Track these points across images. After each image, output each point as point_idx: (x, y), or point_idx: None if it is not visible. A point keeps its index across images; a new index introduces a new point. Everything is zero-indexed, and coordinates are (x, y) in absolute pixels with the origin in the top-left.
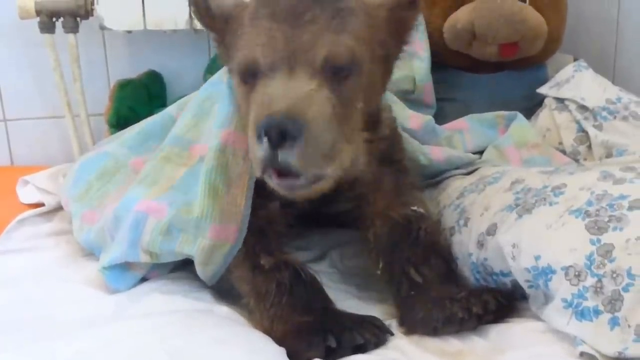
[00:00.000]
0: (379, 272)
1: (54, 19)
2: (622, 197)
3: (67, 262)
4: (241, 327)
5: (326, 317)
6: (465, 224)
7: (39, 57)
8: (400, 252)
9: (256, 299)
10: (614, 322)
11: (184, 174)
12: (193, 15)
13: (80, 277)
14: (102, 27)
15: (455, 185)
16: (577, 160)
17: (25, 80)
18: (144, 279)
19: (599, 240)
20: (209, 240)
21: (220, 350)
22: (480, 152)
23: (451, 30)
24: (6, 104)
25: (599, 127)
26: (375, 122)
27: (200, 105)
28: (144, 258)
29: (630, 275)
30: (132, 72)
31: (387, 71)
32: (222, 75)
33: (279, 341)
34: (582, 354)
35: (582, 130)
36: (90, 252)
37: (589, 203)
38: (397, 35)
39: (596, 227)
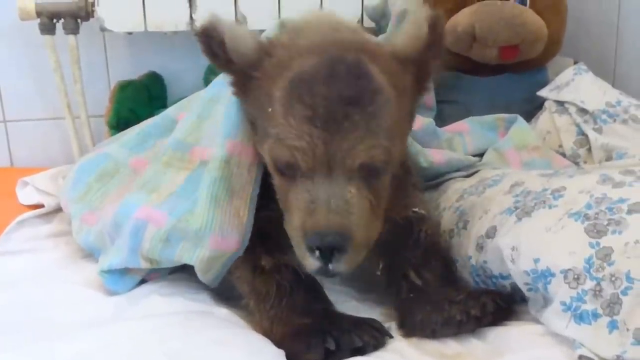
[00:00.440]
0: (378, 273)
1: (54, 21)
2: (622, 200)
3: (67, 264)
4: (240, 329)
5: (325, 319)
6: (465, 227)
7: (40, 58)
8: (400, 254)
9: (256, 300)
10: (612, 326)
11: (185, 179)
12: (202, 52)
13: (80, 278)
14: (103, 29)
15: (455, 187)
16: (577, 163)
17: (25, 81)
18: (143, 281)
19: (598, 244)
20: (209, 250)
21: (220, 352)
22: (481, 155)
23: (452, 32)
24: (6, 105)
25: (599, 130)
26: None
27: (204, 106)
28: (144, 264)
29: (629, 278)
30: (133, 73)
31: (411, 120)
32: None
33: (278, 343)
34: (580, 357)
35: (582, 133)
36: (90, 254)
37: (588, 206)
38: (420, 87)
39: (595, 231)
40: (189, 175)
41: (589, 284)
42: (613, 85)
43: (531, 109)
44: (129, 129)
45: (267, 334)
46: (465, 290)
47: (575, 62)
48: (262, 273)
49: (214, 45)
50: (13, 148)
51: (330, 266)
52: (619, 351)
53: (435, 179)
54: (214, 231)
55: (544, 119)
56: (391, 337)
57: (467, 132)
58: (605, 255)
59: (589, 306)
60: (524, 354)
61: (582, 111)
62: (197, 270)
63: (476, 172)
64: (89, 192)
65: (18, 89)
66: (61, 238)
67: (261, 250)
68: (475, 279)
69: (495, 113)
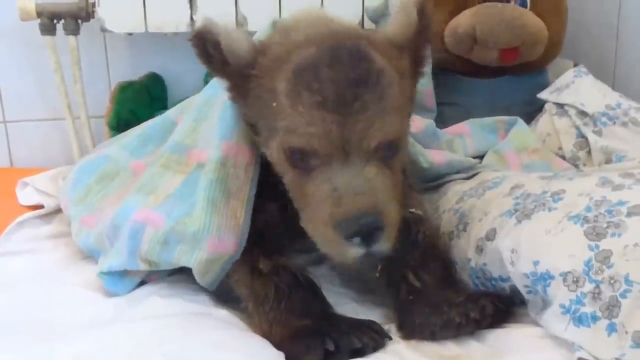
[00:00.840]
0: (377, 275)
1: (54, 21)
2: (621, 203)
3: (66, 265)
4: (240, 331)
5: (325, 321)
6: (465, 229)
7: (40, 59)
8: (399, 256)
9: (255, 303)
10: (611, 328)
11: (182, 182)
12: (196, 57)
13: (79, 279)
14: (103, 30)
15: (455, 189)
16: (576, 166)
17: (25, 82)
18: (142, 282)
19: (597, 246)
20: (206, 253)
21: (219, 353)
22: (481, 157)
23: (452, 34)
24: (6, 105)
25: (599, 133)
26: None
27: (200, 109)
28: (143, 267)
29: (628, 281)
30: (133, 74)
31: (412, 99)
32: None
33: (278, 345)
34: (579, 359)
35: (581, 135)
36: (89, 255)
37: (588, 209)
38: (416, 72)
39: (595, 233)
40: (185, 178)
41: (588, 287)
42: (613, 88)
43: (531, 111)
44: (129, 130)
45: (267, 335)
46: (464, 292)
47: (576, 65)
48: (260, 276)
49: (210, 48)
50: (13, 148)
51: (374, 248)
52: (617, 354)
53: (435, 180)
54: (211, 234)
55: (544, 121)
56: (390, 339)
57: (468, 134)
58: (605, 258)
59: (588, 309)
60: (523, 356)
61: (582, 114)
62: (195, 273)
63: (476, 174)
64: (89, 194)
65: (18, 90)
66: (61, 239)
67: (259, 252)
68: (475, 282)
69: (496, 115)
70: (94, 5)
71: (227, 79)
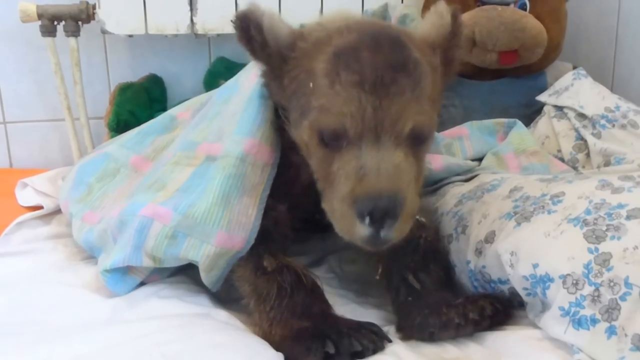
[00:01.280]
0: (377, 277)
1: (55, 23)
2: (620, 206)
3: (65, 266)
4: (239, 332)
5: (325, 322)
6: (464, 232)
7: (40, 60)
8: (400, 259)
9: (256, 301)
10: (611, 331)
11: (190, 174)
12: (238, 39)
13: (78, 280)
14: (104, 31)
15: (454, 192)
16: (575, 168)
17: (25, 83)
18: (142, 283)
19: (596, 249)
20: (214, 247)
21: (218, 355)
22: (480, 159)
23: None
24: (6, 106)
25: (598, 135)
26: None
27: (216, 107)
28: (147, 262)
29: (627, 284)
30: (133, 75)
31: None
32: (237, 80)
33: (278, 345)
34: None
35: (580, 138)
36: (88, 256)
37: (587, 212)
38: (446, 72)
39: (594, 236)
40: (194, 170)
41: (588, 290)
42: (612, 91)
43: (530, 113)
44: (128, 131)
45: (267, 336)
46: (463, 294)
47: (575, 67)
48: (264, 274)
49: (252, 29)
50: (13, 149)
51: (382, 233)
52: (617, 357)
53: (434, 184)
54: (221, 228)
55: (542, 123)
56: (390, 341)
57: (467, 137)
58: (604, 261)
59: (587, 311)
60: (522, 358)
61: (581, 116)
62: (201, 268)
63: (475, 176)
64: (90, 193)
65: (18, 91)
66: (60, 240)
67: (264, 251)
68: (474, 284)
69: (495, 117)
70: (94, 7)
71: (265, 61)
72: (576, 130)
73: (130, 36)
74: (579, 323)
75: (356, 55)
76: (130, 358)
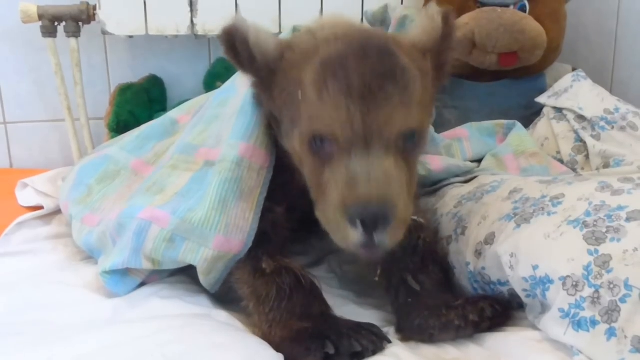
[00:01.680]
0: (376, 279)
1: (56, 24)
2: (620, 208)
3: (65, 266)
4: (239, 333)
5: (324, 323)
6: (463, 233)
7: (41, 60)
8: (399, 260)
9: (256, 303)
10: (610, 333)
11: (189, 179)
12: (225, 54)
13: (79, 280)
14: (104, 32)
15: (453, 193)
16: (574, 170)
17: (26, 83)
18: (142, 283)
19: (596, 251)
20: (212, 250)
21: (218, 355)
22: (479, 161)
23: None
24: (7, 106)
25: (597, 137)
26: None
27: (212, 110)
28: (146, 265)
29: (627, 286)
30: (133, 76)
31: (431, 117)
32: (234, 81)
33: (277, 346)
34: None
35: (580, 139)
36: (88, 256)
37: (587, 213)
38: (438, 76)
39: (594, 238)
40: (193, 175)
41: (588, 291)
42: (611, 92)
43: (529, 115)
44: (128, 132)
45: (266, 337)
46: (463, 295)
47: (574, 69)
48: (263, 275)
49: (238, 45)
50: (13, 149)
51: (376, 238)
52: (617, 359)
53: (433, 185)
54: (219, 232)
55: (542, 125)
56: (389, 342)
57: (466, 138)
58: (604, 263)
59: (587, 313)
60: (522, 359)
61: (580, 118)
62: (199, 272)
63: (474, 178)
64: (90, 194)
65: (19, 91)
66: (60, 240)
67: (263, 253)
68: (474, 285)
69: (494, 119)
70: (95, 8)
71: (254, 74)
72: (575, 132)
73: (131, 37)
74: (578, 325)
75: (343, 64)
76: (130, 358)
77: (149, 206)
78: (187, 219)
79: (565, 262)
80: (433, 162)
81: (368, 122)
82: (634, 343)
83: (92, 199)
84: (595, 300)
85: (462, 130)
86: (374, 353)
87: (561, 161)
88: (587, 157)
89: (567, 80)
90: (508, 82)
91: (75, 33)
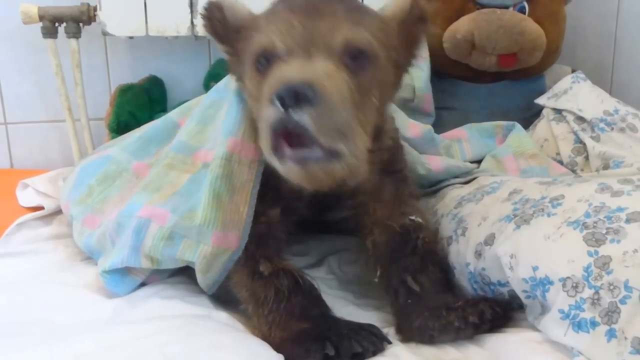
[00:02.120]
0: (376, 280)
1: (56, 24)
2: (620, 209)
3: (66, 266)
4: (239, 333)
5: (324, 324)
6: (463, 234)
7: (41, 61)
8: (398, 260)
9: (254, 305)
10: (610, 334)
11: (187, 180)
12: (204, 27)
13: (79, 280)
14: (105, 33)
15: (453, 194)
16: (574, 171)
17: (26, 84)
18: (142, 284)
19: (596, 252)
20: (210, 247)
21: (218, 355)
22: (479, 162)
23: (451, 40)
24: (7, 107)
25: (596, 139)
26: (379, 132)
27: (205, 112)
28: (145, 263)
29: (627, 287)
30: (134, 77)
31: (397, 78)
32: (227, 82)
33: (277, 348)
34: None
35: (579, 141)
36: (89, 256)
37: (587, 215)
38: (407, 47)
39: (594, 239)
40: (191, 176)
41: (588, 293)
42: (610, 94)
43: (529, 116)
44: (129, 133)
45: (266, 338)
46: (462, 297)
47: (573, 71)
48: (261, 278)
49: (215, 10)
50: (14, 150)
51: (293, 113)
52: None
53: (433, 185)
54: (216, 228)
55: (541, 126)
56: (390, 342)
57: (466, 139)
58: (604, 264)
59: (587, 314)
60: None
61: (580, 119)
62: (197, 270)
63: (474, 179)
64: (90, 194)
65: (19, 92)
66: (61, 240)
67: (260, 255)
68: (474, 286)
69: (494, 120)
70: (95, 9)
71: (226, 40)
72: (575, 133)
73: (131, 38)
74: (578, 326)
75: None
76: (131, 358)
77: (147, 204)
78: (186, 217)
79: (565, 263)
80: (433, 162)
81: (309, 31)
82: (634, 344)
83: (93, 200)
84: (595, 301)
85: (462, 131)
86: (374, 354)
87: (561, 162)
88: (586, 158)
89: (566, 81)
90: (507, 83)
91: (75, 34)
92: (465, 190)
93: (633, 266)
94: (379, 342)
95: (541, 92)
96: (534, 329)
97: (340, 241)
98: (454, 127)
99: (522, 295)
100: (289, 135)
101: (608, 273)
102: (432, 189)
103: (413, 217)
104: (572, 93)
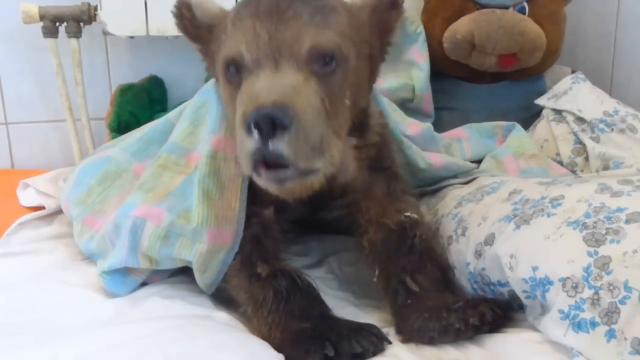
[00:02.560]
0: (375, 279)
1: (57, 24)
2: (620, 209)
3: (67, 266)
4: (240, 333)
5: (324, 324)
6: (463, 234)
7: (42, 61)
8: (396, 260)
9: (253, 307)
10: (610, 335)
11: (181, 182)
12: (176, 26)
13: (80, 280)
14: (105, 33)
15: (453, 194)
16: (574, 172)
17: (27, 84)
18: (143, 283)
19: (596, 252)
20: (206, 244)
21: (219, 355)
22: (478, 162)
23: (451, 40)
24: (8, 107)
25: (596, 139)
26: (364, 128)
27: (195, 112)
28: (144, 263)
29: (627, 287)
30: (134, 77)
31: (373, 72)
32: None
33: (278, 348)
34: None
35: (579, 142)
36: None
37: (587, 215)
38: (381, 36)
39: (594, 239)
40: (185, 178)
41: (587, 293)
42: (610, 95)
43: (529, 116)
44: (129, 132)
45: (266, 339)
46: (462, 297)
47: (573, 71)
48: (259, 280)
49: (184, 9)
50: (14, 150)
51: (270, 144)
52: None
53: (433, 184)
54: (210, 225)
55: (541, 127)
56: (390, 342)
57: (466, 139)
58: (604, 264)
59: (587, 315)
60: None
61: (580, 120)
62: (195, 269)
63: (474, 179)
64: (90, 195)
65: (20, 92)
66: (61, 240)
67: (257, 257)
68: (473, 286)
69: (493, 120)
70: (96, 8)
71: (196, 37)
72: (575, 134)
73: (132, 37)
74: (578, 326)
75: None
76: (132, 358)
77: (142, 204)
78: (182, 216)
79: (565, 263)
80: (433, 159)
81: (275, 40)
82: (634, 344)
83: (93, 200)
84: (595, 301)
85: (462, 131)
86: (374, 354)
87: (560, 163)
88: (586, 159)
89: (566, 82)
90: (507, 84)
91: (76, 33)
92: (466, 190)
93: (633, 266)
94: (379, 342)
95: (541, 92)
96: (534, 329)
97: (341, 241)
98: (454, 127)
99: (522, 296)
100: (265, 159)
101: (608, 273)
102: (431, 188)
103: (408, 214)
104: (572, 94)
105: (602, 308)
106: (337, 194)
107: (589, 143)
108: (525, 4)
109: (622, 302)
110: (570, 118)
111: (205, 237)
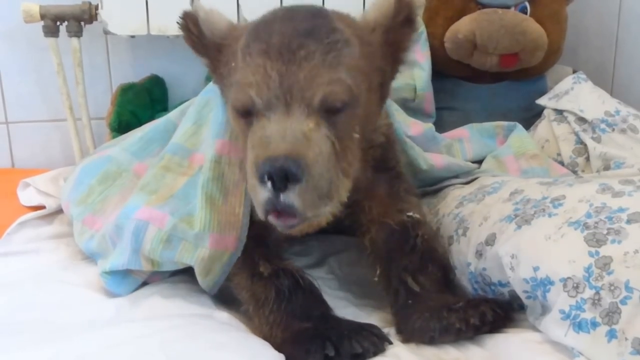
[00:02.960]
0: (376, 279)
1: (58, 23)
2: (621, 209)
3: (68, 265)
4: (241, 333)
5: (325, 324)
6: (464, 234)
7: (43, 60)
8: (397, 259)
9: (255, 306)
10: (611, 335)
11: (184, 184)
12: (184, 39)
13: (81, 280)
14: (106, 32)
15: (455, 194)
16: (575, 172)
17: (28, 83)
18: (144, 283)
19: (597, 253)
20: (208, 249)
21: (220, 355)
22: (479, 162)
23: (452, 40)
24: (8, 106)
25: (598, 139)
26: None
27: (199, 112)
28: (146, 266)
29: (628, 288)
30: (135, 76)
31: (384, 95)
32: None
33: (279, 348)
34: None
35: (580, 142)
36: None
37: (588, 215)
38: (393, 58)
39: (595, 240)
40: (188, 179)
41: (588, 293)
42: (612, 95)
43: (530, 117)
44: (130, 132)
45: (267, 338)
46: (463, 297)
47: (575, 71)
48: (261, 279)
49: (190, 23)
50: (15, 149)
51: (282, 196)
52: None
53: (434, 184)
54: (212, 230)
55: (542, 127)
56: (390, 343)
57: (467, 139)
58: (605, 265)
59: (588, 315)
60: None
61: (581, 120)
62: (197, 273)
63: (475, 179)
64: (90, 194)
65: (20, 91)
66: (62, 239)
67: (259, 256)
68: (474, 286)
69: (495, 120)
70: (97, 7)
71: (204, 53)
72: (576, 134)
73: (132, 37)
74: (579, 326)
75: (268, 27)
76: (133, 357)
77: (144, 206)
78: (185, 220)
79: (566, 263)
80: (434, 159)
81: (286, 82)
82: (635, 345)
83: (93, 200)
84: (595, 301)
85: (463, 131)
86: (375, 354)
87: (562, 163)
88: (587, 159)
89: (567, 82)
90: (509, 83)
91: (77, 33)
92: (467, 190)
93: (634, 267)
94: (380, 342)
95: (542, 92)
96: (535, 329)
97: (341, 241)
98: (455, 127)
99: (522, 296)
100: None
101: (609, 273)
102: (432, 188)
103: (411, 214)
104: (574, 94)
105: (603, 308)
106: None
107: (590, 143)
108: (527, 4)
109: (623, 302)
110: (571, 118)
111: (208, 242)
